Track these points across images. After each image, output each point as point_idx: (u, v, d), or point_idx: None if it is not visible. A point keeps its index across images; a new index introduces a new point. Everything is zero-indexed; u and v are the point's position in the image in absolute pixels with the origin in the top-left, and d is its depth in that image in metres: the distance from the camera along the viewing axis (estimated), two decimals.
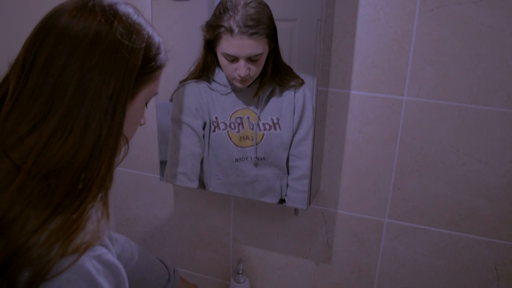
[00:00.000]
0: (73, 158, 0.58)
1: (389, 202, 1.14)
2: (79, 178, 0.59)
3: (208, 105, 1.11)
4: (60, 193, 0.57)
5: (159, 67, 0.69)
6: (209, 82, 1.09)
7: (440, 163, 1.06)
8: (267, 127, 1.09)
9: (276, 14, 0.98)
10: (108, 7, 0.62)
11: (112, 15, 0.61)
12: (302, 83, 1.04)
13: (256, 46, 0.99)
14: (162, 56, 0.69)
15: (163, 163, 1.22)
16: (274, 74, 1.05)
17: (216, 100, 1.11)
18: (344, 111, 1.09)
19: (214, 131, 1.12)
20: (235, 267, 1.32)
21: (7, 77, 0.62)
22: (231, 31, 0.98)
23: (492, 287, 1.12)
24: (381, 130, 1.08)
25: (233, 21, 0.98)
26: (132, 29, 0.62)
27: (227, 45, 1.00)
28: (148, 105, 0.73)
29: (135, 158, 1.40)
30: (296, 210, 1.21)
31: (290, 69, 1.04)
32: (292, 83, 1.05)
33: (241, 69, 1.01)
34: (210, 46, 1.05)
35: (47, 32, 0.59)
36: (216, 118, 1.11)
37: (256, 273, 1.38)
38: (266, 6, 0.99)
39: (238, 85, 1.06)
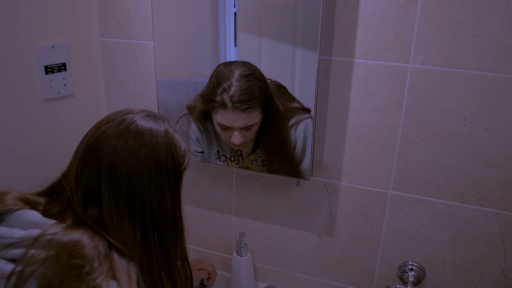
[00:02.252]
0: None
1: (394, 173, 1.16)
2: None
3: (208, 139, 1.19)
4: None
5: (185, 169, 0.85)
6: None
7: (446, 132, 1.07)
8: (265, 163, 1.16)
9: None
10: (142, 129, 0.77)
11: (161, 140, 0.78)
12: (301, 120, 1.07)
13: (249, 119, 1.06)
14: (188, 159, 0.85)
15: None
16: (271, 128, 1.11)
17: (215, 137, 1.18)
18: (348, 80, 1.11)
19: (215, 160, 1.21)
20: (237, 240, 1.36)
21: (59, 183, 0.80)
22: (224, 105, 1.04)
23: (498, 260, 1.15)
24: (386, 99, 1.09)
25: (226, 96, 1.04)
26: (179, 154, 0.80)
27: (221, 118, 1.07)
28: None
29: None
30: (298, 181, 1.24)
31: (290, 110, 1.08)
32: (292, 123, 1.09)
33: (235, 137, 1.09)
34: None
35: (101, 159, 0.74)
36: (218, 151, 1.20)
37: (258, 247, 1.42)
38: (258, 78, 1.05)
39: (233, 147, 1.16)
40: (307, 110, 1.05)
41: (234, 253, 1.37)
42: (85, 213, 0.73)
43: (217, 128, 1.11)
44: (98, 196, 0.73)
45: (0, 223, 0.71)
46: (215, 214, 1.44)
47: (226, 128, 1.09)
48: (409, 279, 1.23)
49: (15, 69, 1.14)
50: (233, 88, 1.03)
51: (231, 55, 1.10)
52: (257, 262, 1.45)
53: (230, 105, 1.03)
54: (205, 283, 1.39)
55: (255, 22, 1.04)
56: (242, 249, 1.35)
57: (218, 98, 1.05)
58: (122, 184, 0.73)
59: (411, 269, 1.24)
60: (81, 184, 0.74)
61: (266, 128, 1.11)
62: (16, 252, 0.66)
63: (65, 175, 0.79)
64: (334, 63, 1.10)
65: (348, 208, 1.25)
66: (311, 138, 1.07)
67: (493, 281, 1.17)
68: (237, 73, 1.04)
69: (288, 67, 1.04)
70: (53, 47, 1.21)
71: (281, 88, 1.07)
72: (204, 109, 1.11)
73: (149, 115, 0.81)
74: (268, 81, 1.07)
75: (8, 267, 0.65)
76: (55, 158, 1.30)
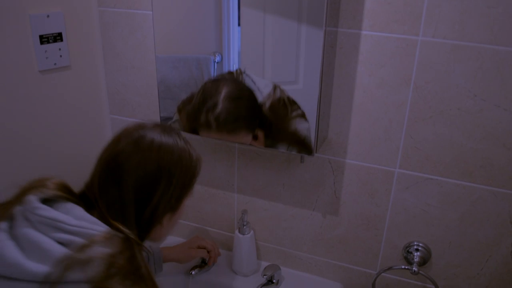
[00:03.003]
0: None
1: (401, 151, 1.15)
2: None
3: None
4: None
5: (196, 177, 0.94)
6: None
7: (455, 109, 1.06)
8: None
9: None
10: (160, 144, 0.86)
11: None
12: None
13: (235, 138, 1.07)
14: (199, 168, 0.95)
15: (168, 119, 1.24)
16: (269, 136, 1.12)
17: None
18: (355, 53, 1.09)
19: None
20: (239, 218, 1.36)
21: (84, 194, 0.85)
22: (208, 126, 1.05)
23: (506, 241, 1.14)
24: (394, 73, 1.07)
25: (211, 116, 1.04)
26: (190, 166, 0.90)
27: (207, 136, 1.09)
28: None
29: (136, 105, 1.42)
30: (302, 157, 1.23)
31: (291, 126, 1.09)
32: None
33: None
34: None
35: (123, 176, 0.82)
36: None
37: (261, 225, 1.42)
38: (245, 97, 1.05)
39: None
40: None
41: (236, 231, 1.37)
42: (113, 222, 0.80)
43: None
44: (121, 209, 0.81)
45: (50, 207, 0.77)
46: (216, 192, 1.44)
47: None
48: (414, 260, 1.23)
49: (9, 38, 1.12)
50: (219, 108, 1.03)
51: (235, 31, 1.09)
52: (259, 241, 1.45)
53: (214, 126, 1.04)
54: (206, 262, 1.40)
55: None
56: (244, 227, 1.36)
57: (202, 119, 1.06)
58: (143, 196, 0.83)
59: (417, 250, 1.24)
60: (104, 198, 0.82)
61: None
62: (67, 237, 0.72)
63: (88, 187, 0.86)
64: (340, 35, 1.08)
65: (353, 186, 1.24)
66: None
67: (500, 262, 1.17)
68: (224, 91, 1.04)
69: (293, 40, 1.02)
70: (48, 16, 1.19)
71: (286, 102, 1.07)
72: (190, 126, 1.12)
73: (164, 130, 0.89)
74: (276, 95, 1.07)
75: (57, 248, 0.70)
76: (52, 131, 1.30)
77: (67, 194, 0.81)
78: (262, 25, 1.04)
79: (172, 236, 1.59)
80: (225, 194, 1.43)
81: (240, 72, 1.08)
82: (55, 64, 1.26)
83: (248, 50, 1.09)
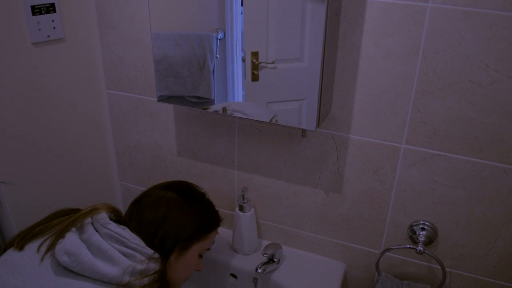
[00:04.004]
0: None
1: (407, 125, 1.10)
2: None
3: None
4: None
5: (212, 231, 1.13)
6: None
7: (466, 81, 1.00)
8: None
9: None
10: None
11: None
12: None
13: None
14: (215, 224, 1.15)
15: (172, 98, 1.20)
16: None
17: None
18: (360, 21, 1.03)
19: None
20: (239, 196, 1.32)
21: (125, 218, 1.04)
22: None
23: None
24: (401, 43, 1.02)
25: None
26: (197, 221, 1.08)
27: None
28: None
29: (133, 79, 1.37)
30: (303, 131, 1.18)
31: None
32: None
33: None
34: None
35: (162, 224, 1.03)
36: None
37: (262, 203, 1.39)
38: None
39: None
40: None
41: (237, 209, 1.34)
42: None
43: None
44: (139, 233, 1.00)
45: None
46: (216, 168, 1.40)
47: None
48: (420, 239, 1.19)
49: None
50: None
51: (238, 7, 1.04)
52: (260, 219, 1.42)
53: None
54: None
55: None
56: (245, 204, 1.32)
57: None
58: (153, 230, 1.02)
59: (423, 229, 1.20)
60: (131, 224, 1.02)
61: None
62: (129, 251, 0.91)
63: (128, 218, 1.05)
64: (345, 1, 1.03)
65: (357, 163, 1.20)
66: None
67: (509, 242, 1.13)
68: None
69: (298, 16, 0.97)
70: None
71: None
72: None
73: (187, 189, 1.15)
74: None
75: (122, 258, 0.89)
76: (45, 107, 1.26)
77: (118, 217, 1.00)
78: (265, 0, 0.99)
79: None
80: (225, 171, 1.39)
81: None
82: (48, 36, 1.21)
83: (252, 26, 1.05)
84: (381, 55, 1.05)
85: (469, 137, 1.06)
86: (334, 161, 1.22)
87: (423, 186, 1.15)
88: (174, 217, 1.03)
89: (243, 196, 1.32)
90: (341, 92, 1.13)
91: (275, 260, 1.32)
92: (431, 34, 0.99)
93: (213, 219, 1.14)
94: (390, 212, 1.22)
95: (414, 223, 1.21)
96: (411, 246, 1.19)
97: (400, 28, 1.01)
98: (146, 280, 0.88)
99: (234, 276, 1.37)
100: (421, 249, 1.16)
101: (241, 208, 1.33)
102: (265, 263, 1.30)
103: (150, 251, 0.94)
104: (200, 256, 1.12)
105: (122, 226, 0.96)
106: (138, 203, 1.07)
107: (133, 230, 0.98)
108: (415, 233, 1.21)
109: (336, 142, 1.19)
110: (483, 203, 1.11)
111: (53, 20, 1.21)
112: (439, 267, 1.21)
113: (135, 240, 0.94)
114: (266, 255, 1.28)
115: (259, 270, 1.27)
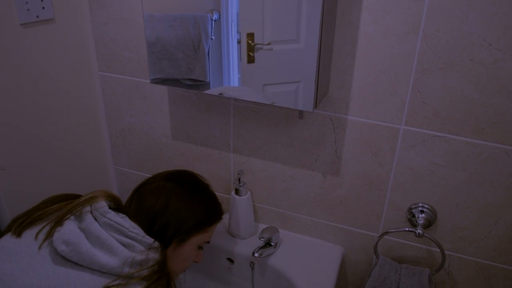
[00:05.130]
0: None
1: (407, 106, 1.07)
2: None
3: None
4: None
5: (212, 224, 1.11)
6: None
7: (468, 60, 0.97)
8: None
9: None
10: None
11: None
12: None
13: None
14: (217, 217, 1.13)
15: (166, 81, 1.18)
16: None
17: None
18: None
19: None
20: (235, 179, 1.30)
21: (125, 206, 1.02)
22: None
23: None
24: (401, 20, 0.99)
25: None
26: (197, 213, 1.05)
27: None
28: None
29: (126, 61, 1.34)
30: (300, 112, 1.15)
31: None
32: None
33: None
34: None
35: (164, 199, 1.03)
36: None
37: (258, 186, 1.37)
38: None
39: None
40: None
41: (233, 193, 1.32)
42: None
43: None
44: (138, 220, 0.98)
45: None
46: (211, 151, 1.37)
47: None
48: (419, 222, 1.17)
49: None
50: None
51: None
52: (257, 203, 1.40)
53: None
54: None
55: None
56: (241, 188, 1.30)
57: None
58: (154, 217, 1.00)
59: (422, 211, 1.18)
60: (131, 211, 1.01)
61: None
62: (128, 241, 0.88)
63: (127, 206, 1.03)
64: None
65: (355, 145, 1.17)
66: None
67: (510, 225, 1.11)
68: None
69: None
70: None
71: None
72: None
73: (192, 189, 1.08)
74: None
75: (121, 248, 0.87)
76: (36, 89, 1.23)
77: (117, 205, 0.97)
78: None
79: None
80: (220, 154, 1.36)
81: None
82: (37, 16, 1.17)
83: (247, 6, 1.02)
84: (381, 33, 1.01)
85: (470, 118, 1.03)
86: (331, 143, 1.20)
87: (423, 168, 1.13)
88: (175, 207, 1.01)
89: (239, 180, 1.30)
90: (339, 72, 1.09)
91: (272, 244, 1.30)
92: (431, 11, 0.95)
93: (215, 212, 1.12)
94: (388, 195, 1.20)
95: (413, 206, 1.19)
96: (410, 229, 1.17)
97: (399, 5, 0.97)
98: (145, 272, 0.86)
99: (230, 260, 1.36)
100: (420, 232, 1.14)
101: (237, 192, 1.31)
102: (262, 247, 1.28)
103: (149, 239, 0.92)
104: (200, 247, 1.10)
105: (121, 215, 0.94)
106: (139, 191, 1.05)
107: (132, 217, 0.96)
108: (414, 216, 1.19)
109: (333, 124, 1.17)
110: (484, 186, 1.09)
111: (42, 0, 1.17)
112: (438, 250, 1.20)
113: (134, 229, 0.91)
114: (263, 239, 1.26)
115: (256, 254, 1.25)
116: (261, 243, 1.30)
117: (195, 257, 1.09)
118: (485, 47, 0.95)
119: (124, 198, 1.04)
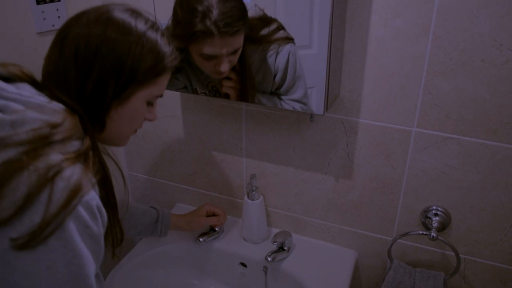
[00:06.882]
0: None
1: (418, 108, 1.07)
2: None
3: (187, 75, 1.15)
4: None
5: (159, 75, 0.81)
6: None
7: (479, 60, 0.97)
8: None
9: None
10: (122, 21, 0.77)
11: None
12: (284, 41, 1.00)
13: (237, 42, 0.99)
14: (163, 64, 0.81)
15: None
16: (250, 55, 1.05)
17: (192, 74, 1.14)
18: (368, 1, 1.00)
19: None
20: (248, 184, 1.31)
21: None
22: (210, 33, 0.95)
23: None
24: (411, 22, 0.99)
25: (209, 23, 0.94)
26: (144, 53, 0.77)
27: (206, 47, 0.98)
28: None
29: None
30: (312, 116, 1.16)
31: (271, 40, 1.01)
32: (272, 49, 1.02)
33: (223, 65, 1.01)
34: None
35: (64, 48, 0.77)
36: (196, 89, 1.16)
37: (271, 191, 1.37)
38: None
39: (217, 77, 1.09)
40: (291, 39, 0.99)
41: (245, 197, 1.33)
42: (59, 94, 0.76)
43: (199, 60, 1.03)
44: (63, 78, 0.77)
45: None
46: (224, 156, 1.38)
47: (211, 58, 1.01)
48: (433, 225, 1.16)
49: None
50: (215, 12, 0.94)
51: None
52: (269, 207, 1.40)
53: (216, 31, 0.95)
54: (216, 229, 1.37)
55: None
56: (254, 192, 1.31)
57: (199, 27, 0.95)
58: (83, 68, 0.75)
59: (435, 214, 1.17)
60: (48, 67, 0.79)
61: (244, 55, 1.05)
62: (3, 102, 0.68)
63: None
64: None
65: (367, 148, 1.17)
66: (296, 63, 1.01)
67: None
68: None
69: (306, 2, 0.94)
70: None
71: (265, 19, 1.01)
72: (182, 46, 1.00)
73: (132, 11, 0.80)
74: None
75: None
76: None
77: (27, 78, 0.79)
78: None
79: (181, 204, 1.55)
80: (233, 158, 1.37)
81: None
82: (53, 25, 1.20)
83: None
84: (391, 36, 1.02)
85: (483, 119, 1.02)
86: (343, 147, 1.20)
87: (436, 170, 1.12)
88: (108, 57, 0.75)
89: (251, 184, 1.30)
90: (349, 75, 1.10)
91: (285, 248, 1.30)
92: (442, 13, 0.96)
93: (164, 57, 0.81)
94: (402, 198, 1.20)
95: (426, 209, 1.18)
96: (424, 232, 1.16)
97: (409, 7, 0.98)
98: (23, 136, 0.64)
99: (243, 265, 1.36)
100: (434, 235, 1.13)
101: (250, 196, 1.31)
102: (275, 252, 1.28)
103: (39, 100, 0.71)
104: (150, 104, 0.85)
105: (20, 83, 0.76)
106: (58, 46, 0.79)
107: (47, 73, 0.78)
108: (428, 218, 1.18)
109: (345, 127, 1.17)
110: (498, 187, 1.08)
111: (57, 9, 1.20)
112: (453, 253, 1.19)
113: (18, 90, 0.72)
114: (276, 243, 1.26)
115: (269, 259, 1.25)
116: (274, 247, 1.30)
117: (145, 114, 0.85)
118: (496, 47, 0.95)
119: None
